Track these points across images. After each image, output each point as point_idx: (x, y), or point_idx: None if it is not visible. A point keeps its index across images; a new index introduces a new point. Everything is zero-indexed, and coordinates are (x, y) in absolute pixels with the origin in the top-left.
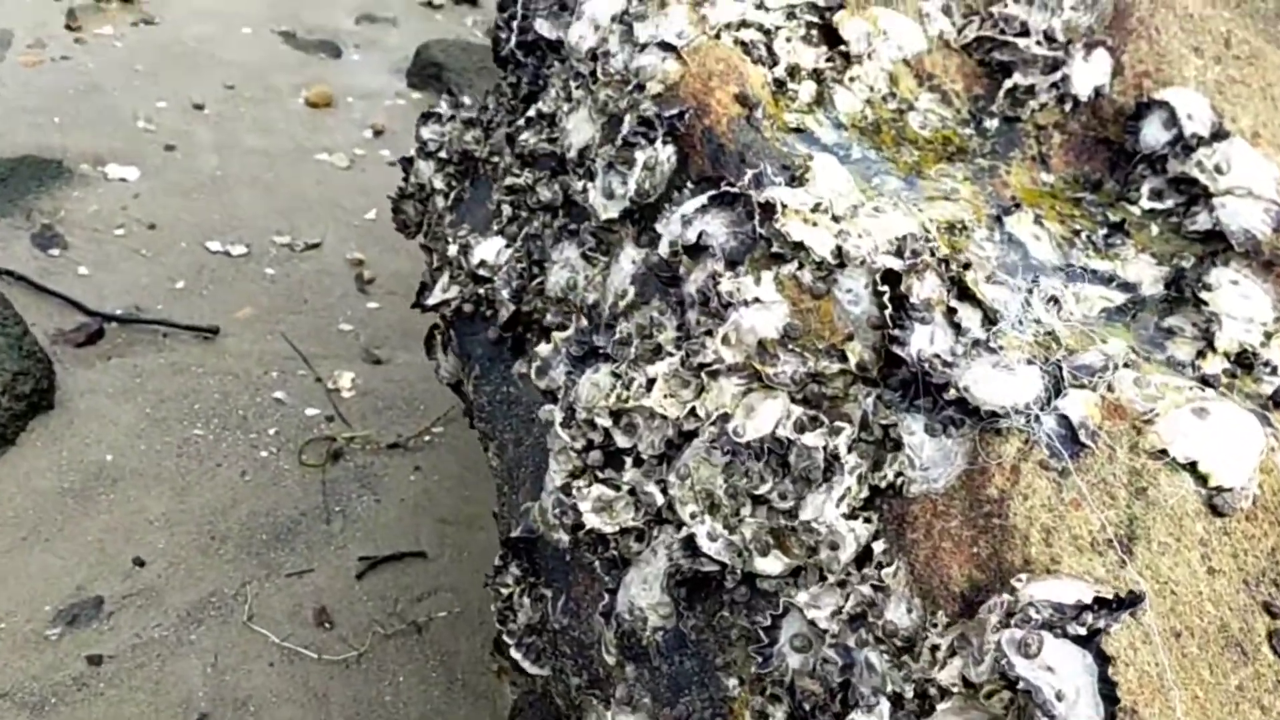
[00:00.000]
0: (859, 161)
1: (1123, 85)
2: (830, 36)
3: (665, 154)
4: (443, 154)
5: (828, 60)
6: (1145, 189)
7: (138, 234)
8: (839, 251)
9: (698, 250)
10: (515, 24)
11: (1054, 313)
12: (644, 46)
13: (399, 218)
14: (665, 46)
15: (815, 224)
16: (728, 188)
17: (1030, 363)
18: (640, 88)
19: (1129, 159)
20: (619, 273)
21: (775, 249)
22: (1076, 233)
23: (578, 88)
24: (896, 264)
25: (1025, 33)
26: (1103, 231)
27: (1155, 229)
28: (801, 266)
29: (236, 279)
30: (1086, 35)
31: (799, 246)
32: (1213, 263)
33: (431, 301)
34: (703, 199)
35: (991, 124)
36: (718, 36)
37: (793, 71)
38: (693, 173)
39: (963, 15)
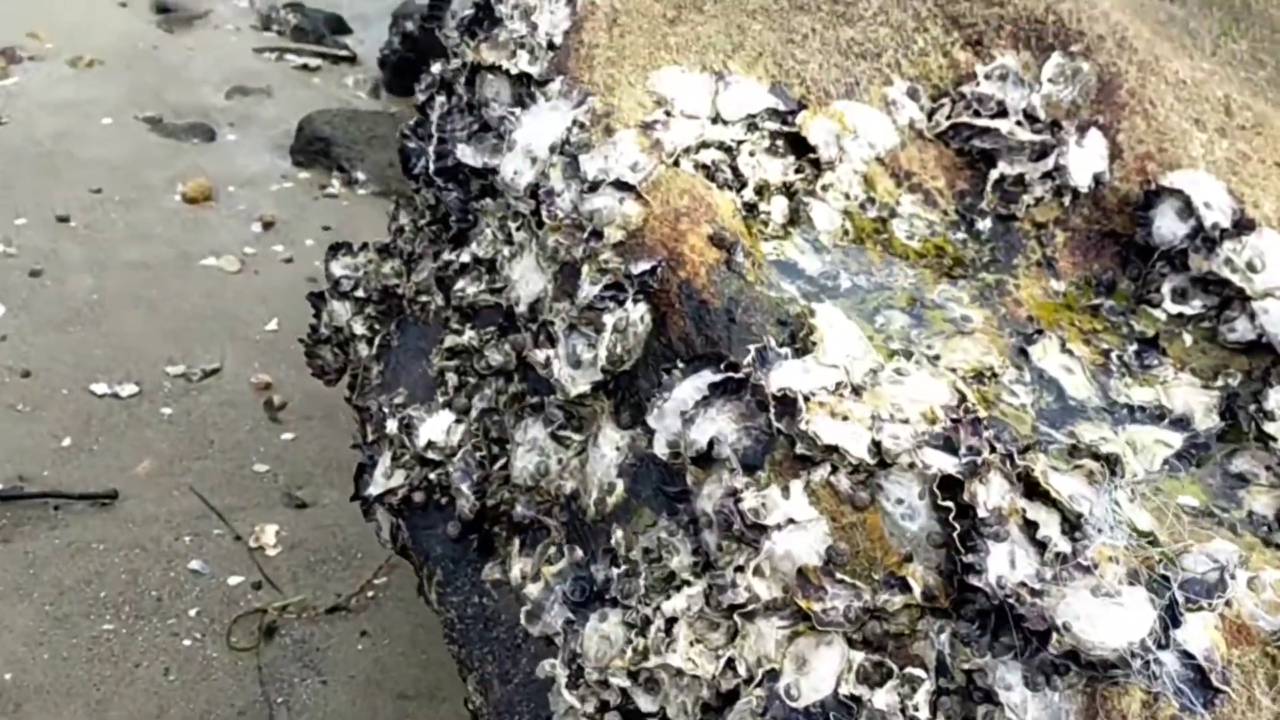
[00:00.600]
0: (852, 293)
1: (1124, 170)
2: (796, 143)
3: (638, 314)
4: (359, 292)
5: (796, 171)
6: (1166, 289)
7: (10, 385)
8: (877, 448)
9: (709, 459)
10: (432, 147)
11: (1137, 500)
12: (595, 185)
13: (315, 363)
14: (621, 186)
15: (845, 416)
16: (730, 372)
17: (1133, 582)
18: (597, 234)
19: (1141, 253)
20: (601, 460)
21: (801, 450)
22: (1106, 353)
23: (518, 228)
24: (951, 463)
25: (1003, 113)
26: (1133, 348)
27: (1188, 338)
28: (835, 470)
29: (130, 426)
30: (1070, 111)
31: (831, 449)
32: (1266, 381)
33: (374, 492)
34: (699, 383)
35: (984, 225)
36: (676, 164)
37: (761, 190)
38: (672, 334)
39: (931, 98)
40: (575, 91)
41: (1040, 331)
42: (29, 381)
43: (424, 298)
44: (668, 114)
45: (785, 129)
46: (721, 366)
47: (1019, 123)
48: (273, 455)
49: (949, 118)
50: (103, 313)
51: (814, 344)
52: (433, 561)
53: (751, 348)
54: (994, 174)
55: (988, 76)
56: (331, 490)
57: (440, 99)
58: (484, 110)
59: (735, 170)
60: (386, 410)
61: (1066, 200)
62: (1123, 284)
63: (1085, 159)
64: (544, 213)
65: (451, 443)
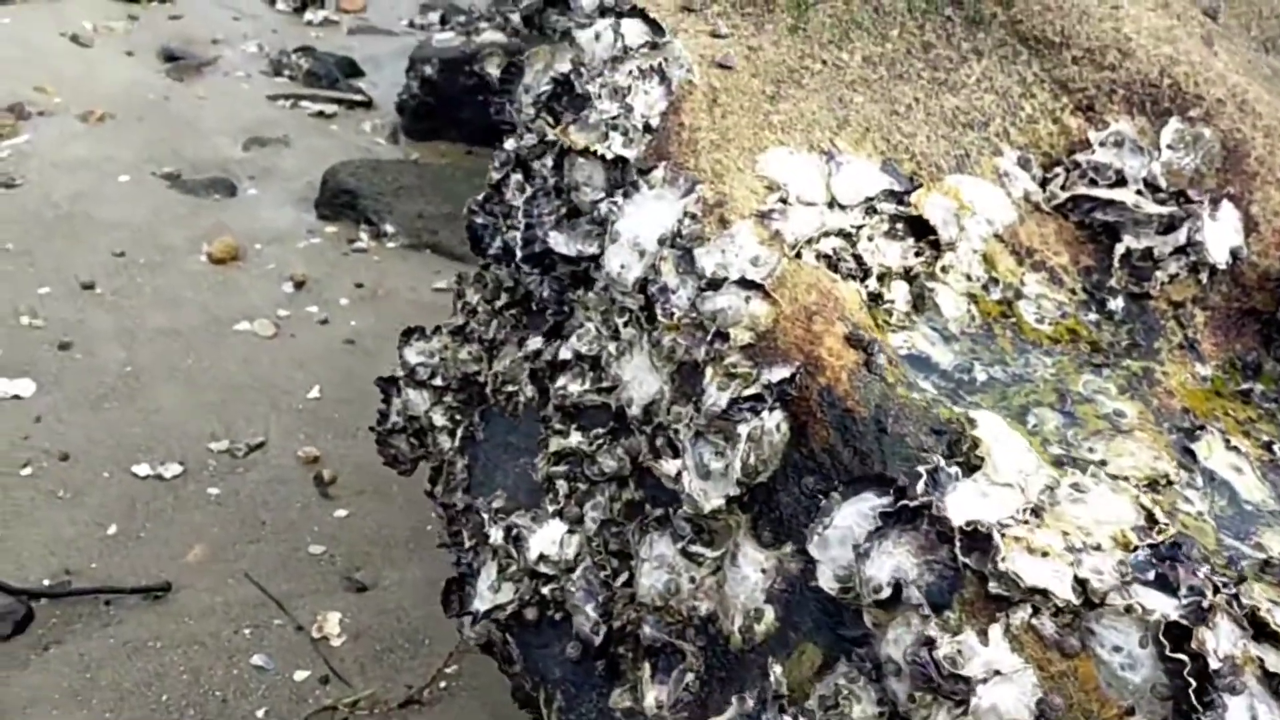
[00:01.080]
0: (990, 388)
1: (1261, 244)
2: (914, 224)
3: (774, 422)
4: (437, 380)
5: (916, 254)
6: None
7: (50, 470)
8: (1082, 586)
9: (894, 600)
10: (519, 232)
11: None
12: (715, 282)
13: (387, 452)
14: (747, 284)
15: (1045, 552)
16: (900, 498)
17: None
18: (722, 336)
19: None
20: (743, 583)
21: (995, 589)
22: (1268, 446)
23: (625, 324)
24: (1171, 606)
25: (1122, 182)
26: None
27: None
28: (1037, 611)
29: (176, 509)
30: (1194, 180)
31: (1033, 590)
32: None
33: (481, 608)
34: (864, 508)
35: (1117, 304)
36: (798, 255)
37: (882, 276)
38: (814, 444)
39: (1043, 167)
40: (682, 179)
41: (1201, 427)
42: (68, 465)
43: (510, 387)
44: (783, 201)
45: (903, 211)
46: (888, 490)
47: (1140, 193)
48: (327, 535)
49: (1064, 188)
50: (138, 387)
51: (980, 458)
52: (551, 685)
53: (921, 470)
54: (1120, 248)
55: (1102, 144)
56: (391, 570)
57: (516, 177)
58: (574, 194)
59: (858, 259)
60: (486, 515)
61: (1203, 277)
62: (1268, 366)
63: (1220, 233)
64: (658, 310)
65: (566, 556)
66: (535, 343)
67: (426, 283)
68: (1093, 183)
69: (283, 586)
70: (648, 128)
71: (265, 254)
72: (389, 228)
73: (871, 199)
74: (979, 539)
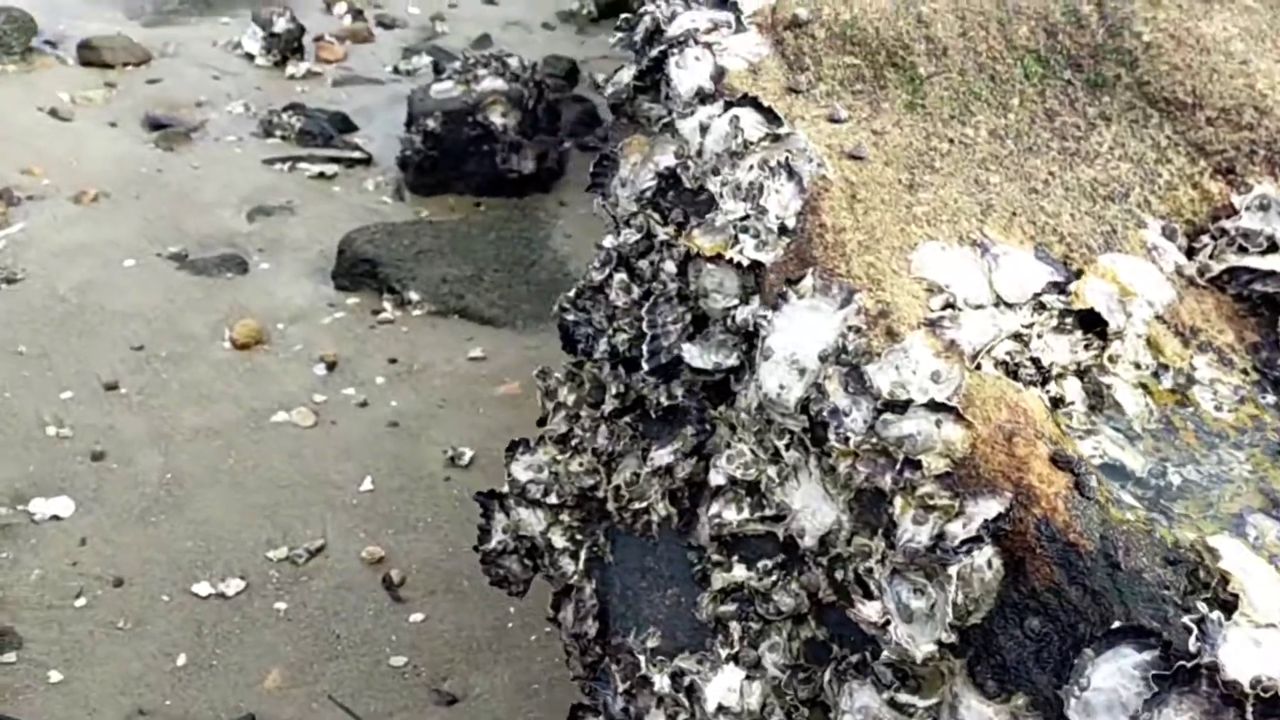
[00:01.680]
0: (1189, 493)
1: None
2: (1083, 316)
3: (984, 558)
4: (552, 498)
5: (1085, 346)
6: None
7: (105, 598)
8: None
9: None
10: (645, 344)
11: None
12: (896, 404)
13: (494, 573)
14: (936, 406)
15: None
16: (1168, 655)
17: None
18: (913, 464)
19: None
20: None
21: None
22: None
23: (788, 446)
24: None
25: (1274, 247)
26: None
27: None
28: None
29: (245, 630)
30: None
31: None
32: None
33: None
34: (1124, 665)
35: None
36: (978, 367)
37: (1058, 376)
38: (1036, 583)
39: (1187, 235)
40: (836, 287)
41: None
42: (123, 591)
43: (637, 504)
44: (950, 305)
45: (1070, 303)
46: (1148, 642)
47: None
48: (407, 643)
49: (1214, 257)
50: (182, 495)
51: (1234, 595)
52: None
53: (1188, 620)
54: None
55: (1248, 208)
56: (479, 676)
57: (620, 277)
58: (703, 302)
59: (1035, 362)
60: (643, 658)
61: None
62: None
63: None
64: (830, 435)
65: (750, 706)
66: (663, 456)
67: (461, 352)
68: (1242, 250)
69: (370, 706)
70: (783, 229)
71: (290, 334)
72: (413, 295)
73: (1038, 294)
74: (1274, 701)
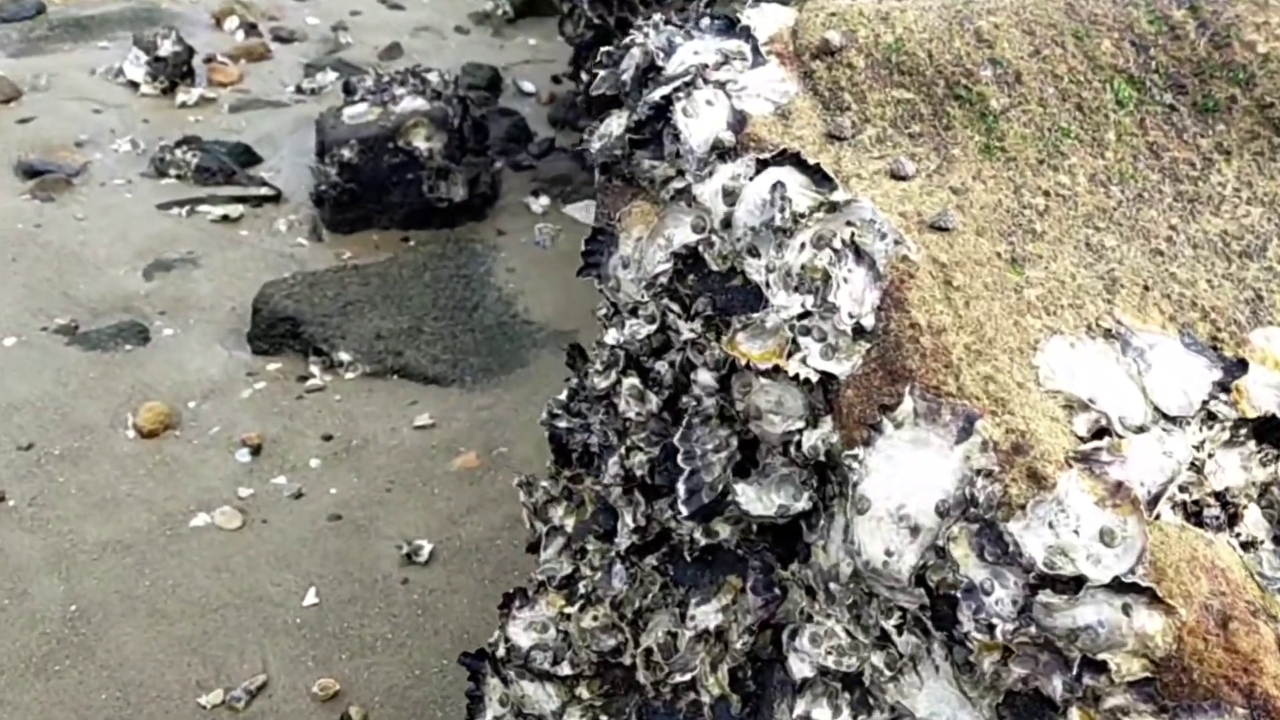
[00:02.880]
0: None
1: None
2: (1260, 424)
3: None
4: (564, 667)
5: (1260, 461)
6: None
7: None
8: None
9: None
10: (682, 480)
11: None
12: (1062, 580)
13: None
14: (1122, 587)
15: None
16: None
17: None
18: (1095, 665)
19: None
20: None
21: None
22: None
23: (900, 628)
24: None
25: None
26: None
27: None
28: None
29: None
30: None
31: None
32: None
33: None
34: None
35: None
36: (1157, 517)
37: (1238, 509)
38: None
39: None
40: (950, 413)
41: None
42: None
43: (680, 677)
44: (1102, 429)
45: (1238, 407)
46: None
47: None
48: None
49: None
50: (91, 634)
51: None
52: None
53: None
54: None
55: None
56: None
57: (630, 382)
58: (755, 425)
59: (1220, 498)
60: None
61: None
62: None
63: None
64: (966, 620)
65: None
66: (709, 616)
67: (405, 420)
68: None
69: None
70: (860, 331)
71: (204, 414)
72: (344, 355)
73: (1205, 401)
74: None
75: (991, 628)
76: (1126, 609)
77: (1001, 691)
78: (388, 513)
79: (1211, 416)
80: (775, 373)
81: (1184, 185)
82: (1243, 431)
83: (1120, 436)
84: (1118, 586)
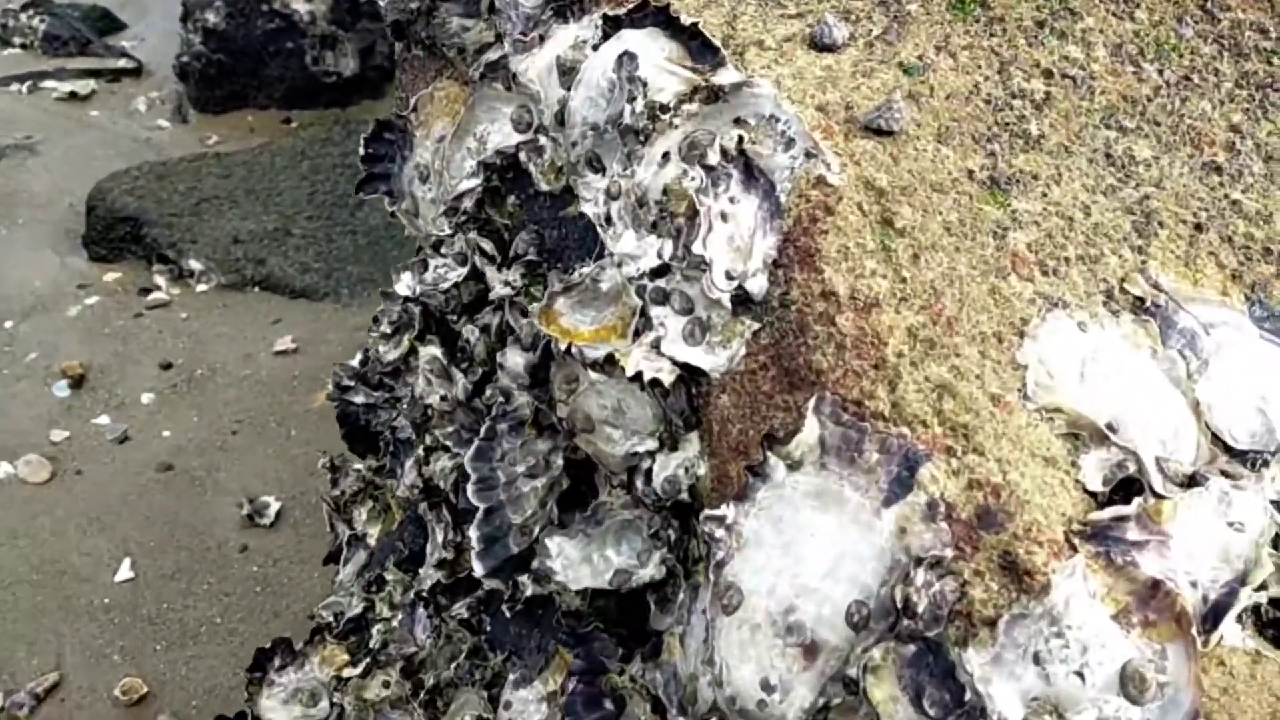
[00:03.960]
0: None
1: None
2: None
3: None
4: None
5: None
6: None
7: None
8: None
9: None
10: (475, 522)
11: None
12: None
13: None
14: None
15: None
16: None
17: None
18: None
19: None
20: None
21: None
22: None
23: None
24: None
25: None
26: None
27: None
28: None
29: None
30: None
31: None
32: None
33: None
34: None
35: None
36: (1220, 641)
37: None
38: None
39: None
40: (875, 449)
41: None
42: None
43: None
44: (1130, 483)
45: None
46: None
47: None
48: None
49: None
50: None
51: None
52: None
53: None
54: None
55: None
56: None
57: (431, 353)
58: (584, 440)
59: None
60: None
61: None
62: None
63: None
64: None
65: None
66: (528, 709)
67: (264, 345)
68: None
69: None
70: (743, 300)
71: (21, 337)
72: (195, 264)
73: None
74: None
75: None
76: None
77: None
78: (230, 462)
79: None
80: (611, 365)
81: (1252, 63)
82: None
83: (1159, 494)
84: None
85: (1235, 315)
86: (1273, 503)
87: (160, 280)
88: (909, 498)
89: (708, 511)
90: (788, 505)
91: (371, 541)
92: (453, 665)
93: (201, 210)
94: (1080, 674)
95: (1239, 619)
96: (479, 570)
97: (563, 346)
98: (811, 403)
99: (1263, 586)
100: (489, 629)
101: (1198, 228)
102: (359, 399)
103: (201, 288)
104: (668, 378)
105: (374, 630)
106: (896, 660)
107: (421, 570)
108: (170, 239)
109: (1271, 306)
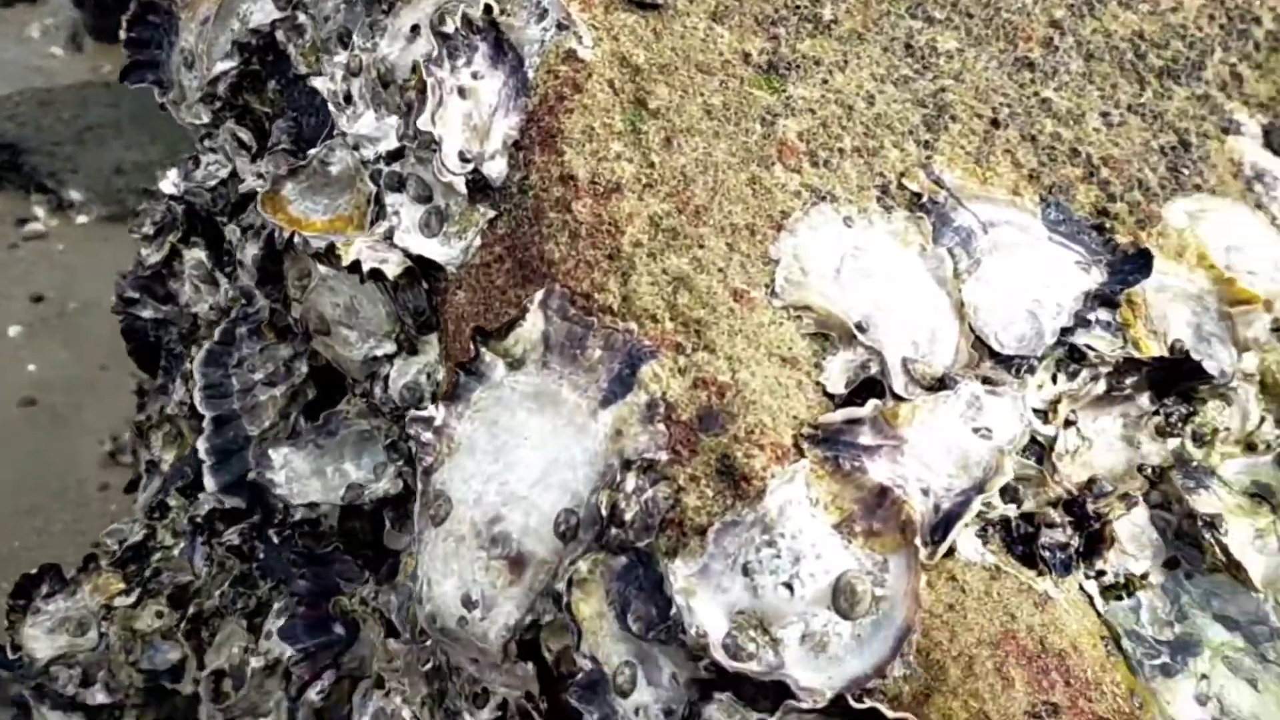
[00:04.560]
0: None
1: None
2: (1167, 370)
3: None
4: (98, 694)
5: (1155, 430)
6: None
7: None
8: None
9: None
10: (204, 431)
11: None
12: (760, 686)
13: None
14: (852, 716)
15: None
16: None
17: None
18: None
19: None
20: None
21: None
22: None
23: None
24: None
25: None
26: None
27: None
28: None
29: None
30: None
31: None
32: None
33: None
34: None
35: None
36: (950, 553)
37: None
38: None
39: None
40: (599, 346)
41: None
42: None
43: None
44: (873, 384)
45: (1126, 341)
46: None
47: None
48: None
49: None
50: None
51: None
52: None
53: None
54: None
55: None
56: None
57: (196, 256)
58: (327, 344)
59: (1078, 505)
60: None
61: None
62: None
63: None
64: None
65: None
66: (279, 644)
67: None
68: None
69: None
70: (478, 185)
71: None
72: (75, 194)
73: (1070, 328)
74: None
75: None
76: None
77: None
78: (97, 398)
79: (1076, 355)
80: (334, 257)
81: None
82: (1130, 380)
83: (901, 396)
84: (844, 713)
85: (1023, 216)
86: (1037, 411)
87: (39, 210)
88: (628, 397)
89: (413, 413)
90: (505, 408)
91: (166, 468)
92: (217, 594)
93: (85, 139)
94: (789, 585)
95: (983, 533)
96: (210, 486)
97: (284, 234)
98: (538, 296)
99: (1016, 500)
100: (261, 556)
101: (994, 124)
102: (146, 313)
103: (81, 219)
104: (393, 270)
105: (153, 560)
106: (605, 573)
107: (200, 495)
108: (50, 168)
109: (1069, 209)
